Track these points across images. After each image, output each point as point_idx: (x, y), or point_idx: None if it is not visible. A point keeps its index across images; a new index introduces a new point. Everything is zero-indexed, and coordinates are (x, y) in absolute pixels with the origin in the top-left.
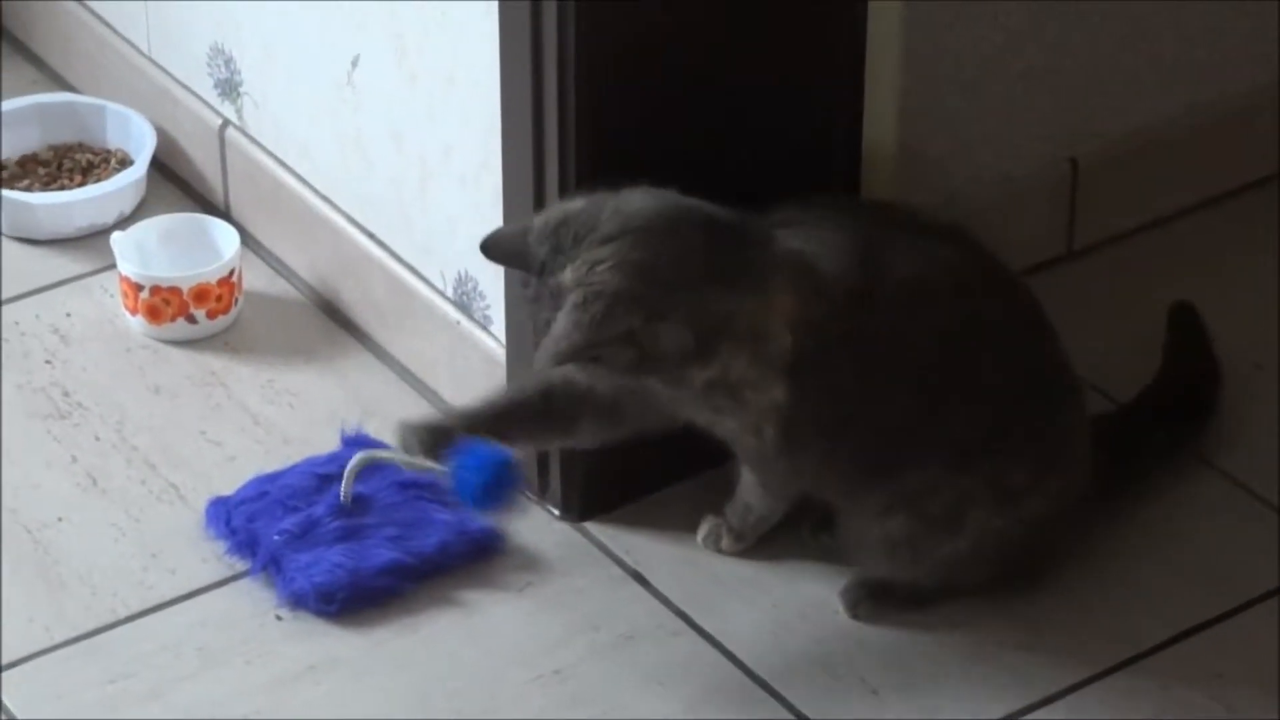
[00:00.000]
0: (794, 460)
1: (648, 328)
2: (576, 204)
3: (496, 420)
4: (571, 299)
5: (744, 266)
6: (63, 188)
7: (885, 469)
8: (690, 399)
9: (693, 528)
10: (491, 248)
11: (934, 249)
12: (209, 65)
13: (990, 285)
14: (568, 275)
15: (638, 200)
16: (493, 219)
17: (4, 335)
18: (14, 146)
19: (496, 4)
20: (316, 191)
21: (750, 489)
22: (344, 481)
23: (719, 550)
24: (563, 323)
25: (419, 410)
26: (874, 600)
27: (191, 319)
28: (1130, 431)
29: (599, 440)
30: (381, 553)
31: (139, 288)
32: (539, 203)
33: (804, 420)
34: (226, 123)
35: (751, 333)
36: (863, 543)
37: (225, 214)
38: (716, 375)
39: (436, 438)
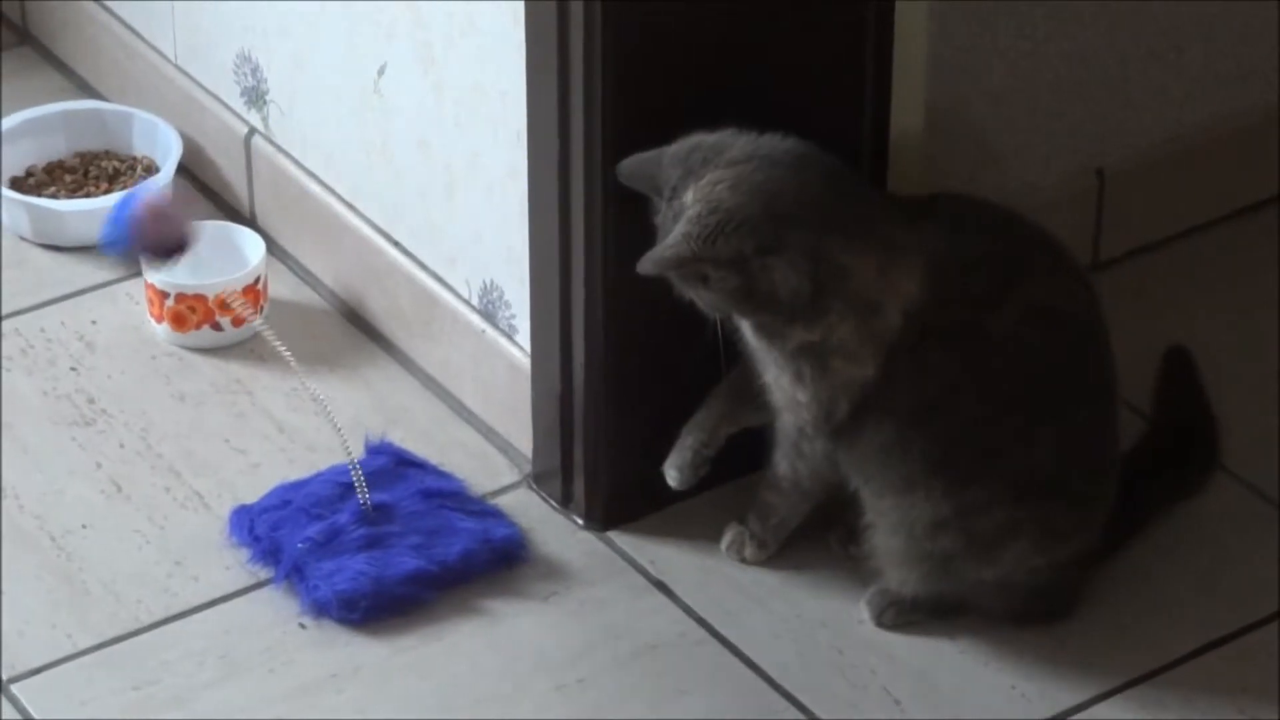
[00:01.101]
0: (847, 442)
1: (759, 259)
2: (713, 135)
3: (725, 418)
4: (687, 213)
5: (871, 230)
6: (89, 195)
7: (952, 472)
8: (777, 357)
9: (716, 537)
10: (625, 170)
11: (1069, 286)
12: (235, 73)
13: (1100, 345)
14: (689, 194)
15: (775, 138)
16: (519, 228)
17: (30, 341)
18: (41, 154)
19: (523, 12)
20: (342, 199)
21: (775, 484)
22: (356, 483)
23: (742, 559)
24: (674, 233)
25: (459, 428)
26: (899, 608)
27: (217, 326)
28: (1128, 489)
29: None
30: (405, 561)
31: (164, 295)
32: (565, 211)
33: (882, 402)
34: (253, 130)
35: (864, 301)
36: (893, 554)
37: (251, 222)
38: (816, 339)
39: (697, 468)
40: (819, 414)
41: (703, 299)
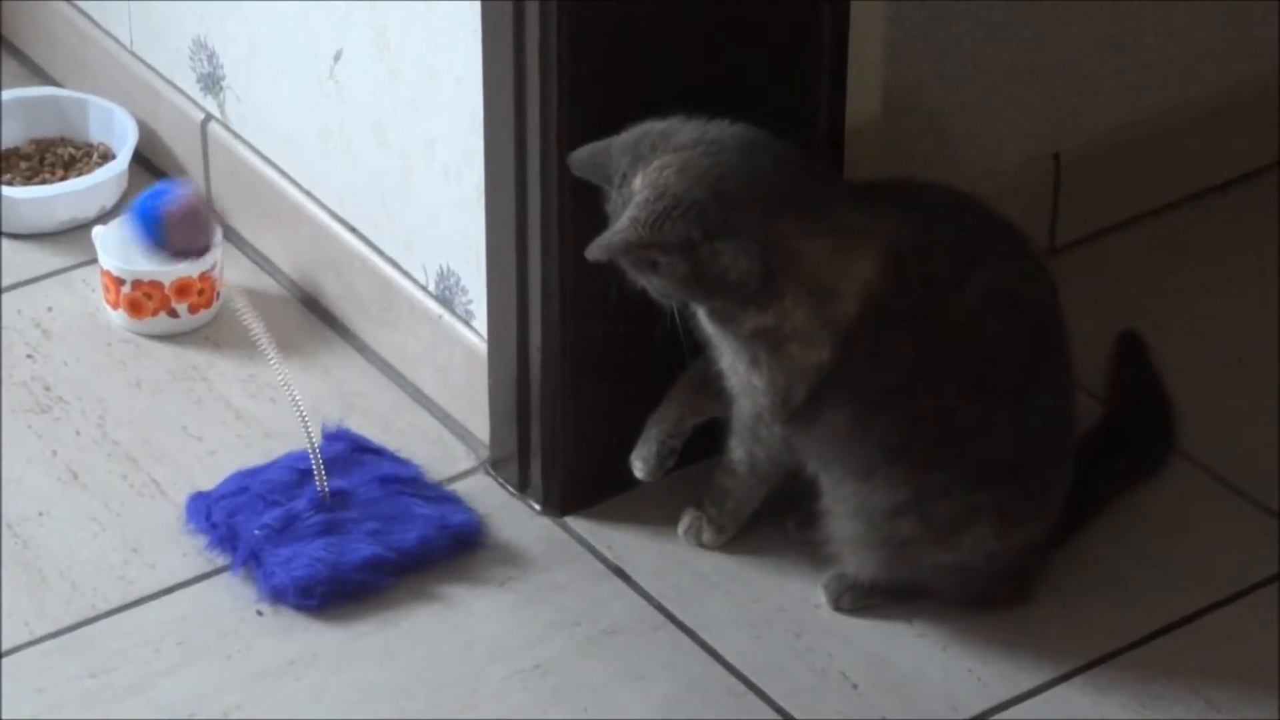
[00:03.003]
0: (805, 427)
1: (708, 244)
2: (662, 122)
3: (689, 409)
4: (635, 199)
5: (824, 214)
6: (44, 182)
7: (910, 457)
8: (732, 342)
9: (674, 522)
10: (576, 160)
11: (1027, 272)
12: (191, 59)
13: (1058, 330)
14: (638, 180)
15: (723, 123)
16: (475, 213)
17: None
18: None
19: None
20: (299, 186)
21: (730, 469)
22: (315, 470)
23: (700, 544)
24: (622, 219)
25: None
26: (856, 592)
27: (173, 313)
28: (1084, 473)
29: None
30: (362, 547)
31: (120, 282)
32: (522, 197)
33: (840, 387)
34: (209, 117)
35: (818, 285)
36: (851, 539)
37: None
38: (770, 324)
39: (663, 460)
40: (775, 399)
41: (654, 285)
